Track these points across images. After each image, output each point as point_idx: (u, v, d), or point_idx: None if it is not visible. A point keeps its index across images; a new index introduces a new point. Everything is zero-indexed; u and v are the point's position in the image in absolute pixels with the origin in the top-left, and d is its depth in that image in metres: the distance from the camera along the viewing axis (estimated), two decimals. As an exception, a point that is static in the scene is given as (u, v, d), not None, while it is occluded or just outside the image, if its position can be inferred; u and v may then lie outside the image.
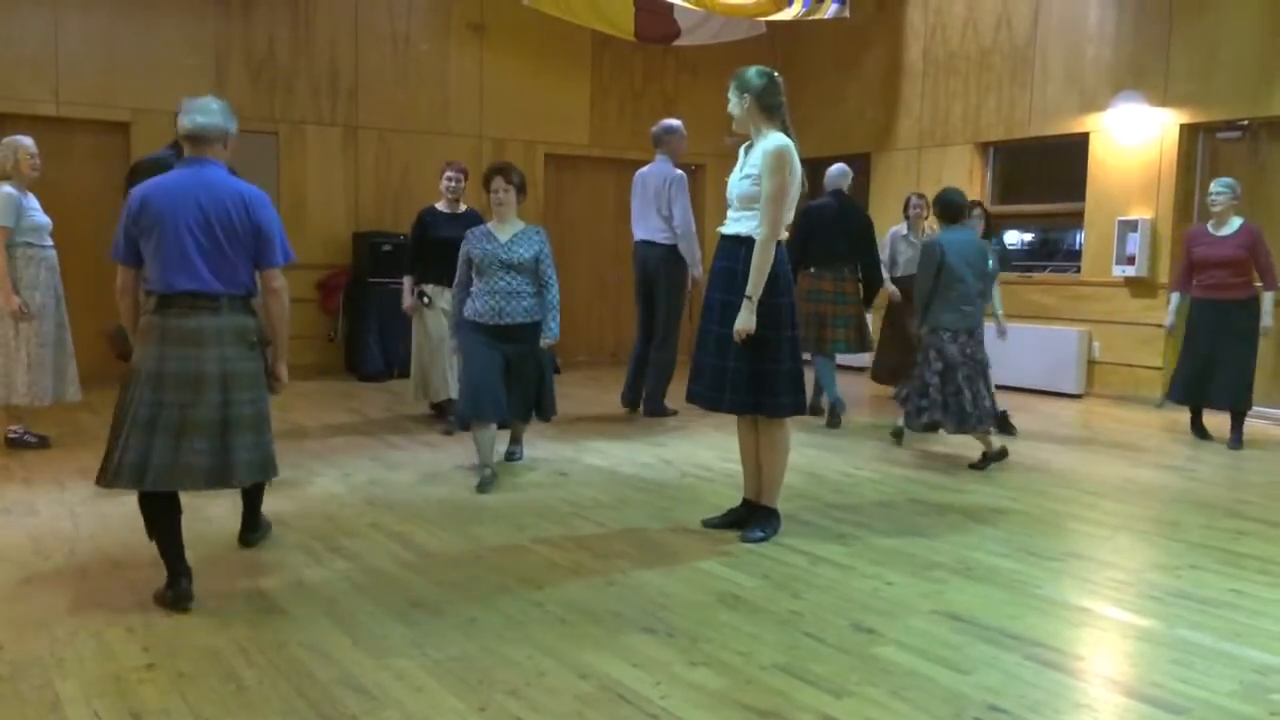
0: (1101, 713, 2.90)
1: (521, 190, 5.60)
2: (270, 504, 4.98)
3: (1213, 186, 6.99)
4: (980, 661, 3.21)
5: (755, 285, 4.29)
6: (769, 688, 2.99)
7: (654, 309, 7.72)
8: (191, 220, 3.62)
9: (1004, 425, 6.99)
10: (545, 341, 5.53)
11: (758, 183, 4.32)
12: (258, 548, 4.29)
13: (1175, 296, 7.26)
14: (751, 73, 4.43)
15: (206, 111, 3.80)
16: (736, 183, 4.44)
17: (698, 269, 7.62)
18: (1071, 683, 3.10)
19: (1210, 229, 6.96)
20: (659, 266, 7.63)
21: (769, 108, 4.40)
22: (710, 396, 4.47)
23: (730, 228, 4.44)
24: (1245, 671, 3.18)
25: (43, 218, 6.09)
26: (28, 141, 6.04)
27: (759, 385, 4.38)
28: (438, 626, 3.43)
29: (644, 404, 7.87)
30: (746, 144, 4.53)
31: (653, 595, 3.78)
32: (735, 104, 4.44)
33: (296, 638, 3.30)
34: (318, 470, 5.74)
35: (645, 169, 7.75)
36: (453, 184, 7.05)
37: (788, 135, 4.38)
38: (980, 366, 6.12)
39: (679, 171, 7.58)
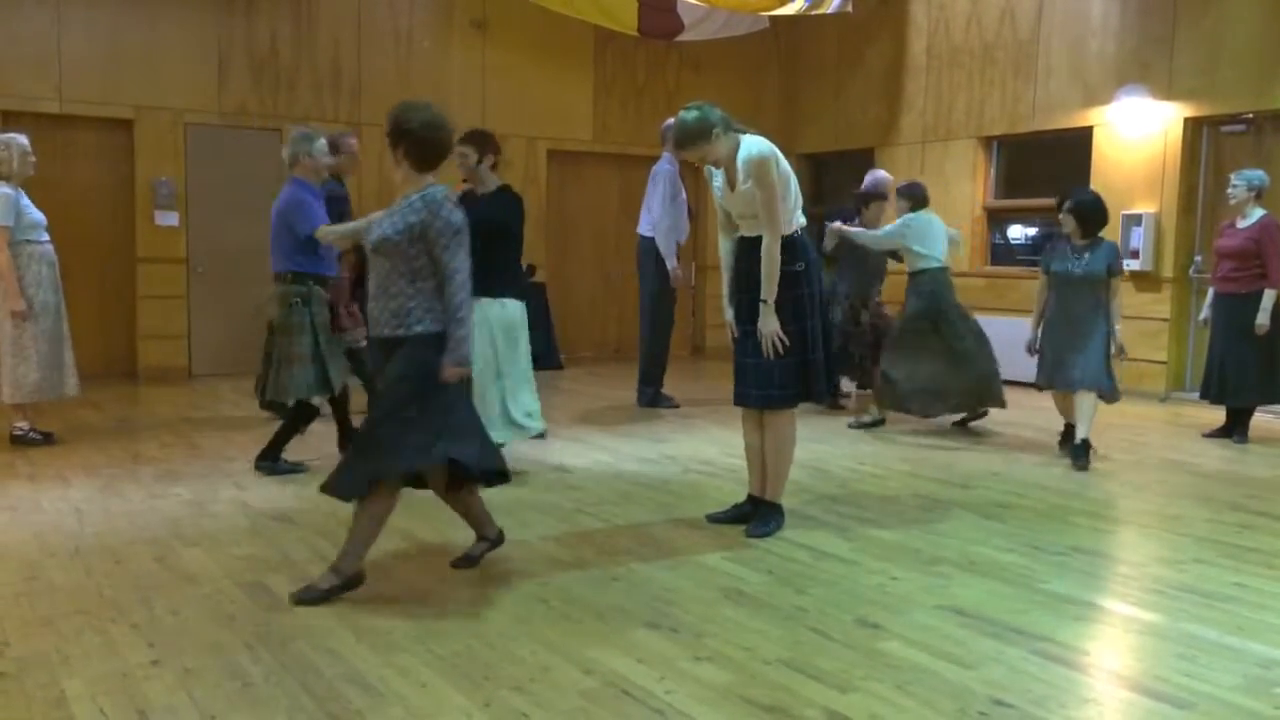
0: (1106, 707, 2.90)
1: (404, 139, 3.65)
2: (273, 502, 5.00)
3: (1230, 179, 6.98)
4: (985, 656, 3.21)
5: (769, 290, 4.29)
6: (774, 683, 2.99)
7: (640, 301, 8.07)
8: (272, 221, 5.50)
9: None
10: (448, 367, 3.60)
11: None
12: (261, 544, 4.29)
13: (1211, 290, 7.19)
14: (694, 115, 4.23)
15: (287, 144, 5.61)
16: (739, 199, 4.35)
17: (671, 260, 7.83)
18: (1076, 677, 3.09)
19: (1236, 222, 6.93)
20: (642, 259, 7.93)
21: (728, 123, 4.29)
22: (757, 395, 4.46)
23: (755, 231, 4.39)
24: (1249, 665, 3.18)
25: (38, 214, 6.12)
26: (23, 139, 6.09)
27: (806, 375, 4.42)
28: (442, 623, 3.43)
29: (637, 395, 7.98)
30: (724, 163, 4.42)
31: (657, 591, 3.78)
32: (709, 148, 4.24)
33: (301, 634, 3.31)
34: (321, 468, 5.74)
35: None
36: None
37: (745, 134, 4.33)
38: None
39: (666, 167, 7.81)
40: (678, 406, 7.84)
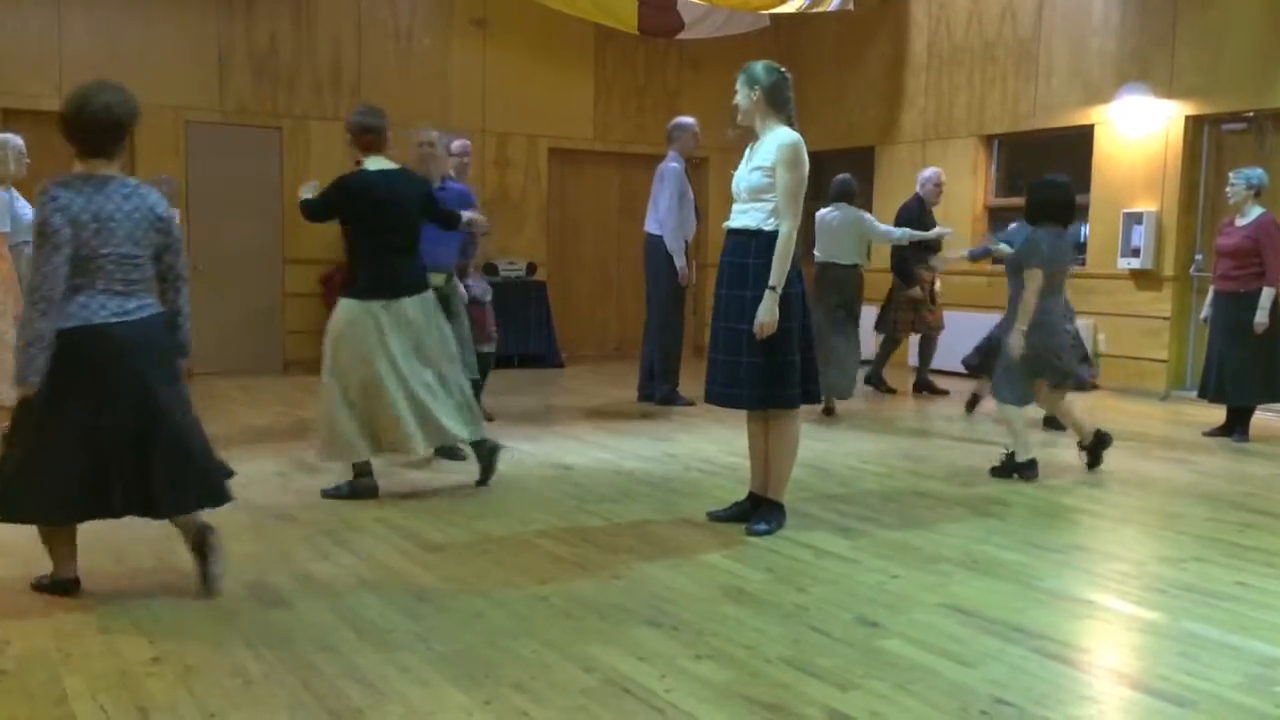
0: (1107, 706, 2.90)
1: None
2: (274, 499, 4.99)
3: (1229, 177, 6.98)
4: (985, 655, 3.21)
5: (778, 276, 4.28)
6: (774, 681, 2.99)
7: (647, 299, 8.06)
8: None
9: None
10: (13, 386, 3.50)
11: (769, 175, 4.32)
12: (262, 542, 4.29)
13: (1211, 288, 7.19)
14: (760, 67, 4.45)
15: None
16: (745, 176, 4.43)
17: (680, 259, 7.83)
18: (1077, 676, 3.09)
19: (1235, 220, 6.93)
20: (649, 257, 7.93)
21: (776, 103, 4.42)
22: (725, 394, 4.46)
23: (737, 221, 4.43)
24: (1250, 664, 3.18)
25: (32, 213, 6.10)
26: (19, 141, 6.06)
27: (773, 378, 4.37)
28: (443, 620, 3.43)
29: (639, 392, 8.01)
30: (752, 140, 4.53)
31: (657, 589, 3.78)
32: (743, 96, 4.43)
33: (302, 632, 3.31)
34: (323, 465, 5.73)
35: (659, 164, 8.02)
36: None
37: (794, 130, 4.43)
38: None
39: (673, 165, 7.77)
40: (692, 404, 7.81)
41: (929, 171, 8.61)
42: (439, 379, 5.00)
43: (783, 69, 4.50)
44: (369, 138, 4.96)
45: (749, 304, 4.31)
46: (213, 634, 3.28)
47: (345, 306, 4.90)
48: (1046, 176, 5.96)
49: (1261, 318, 6.66)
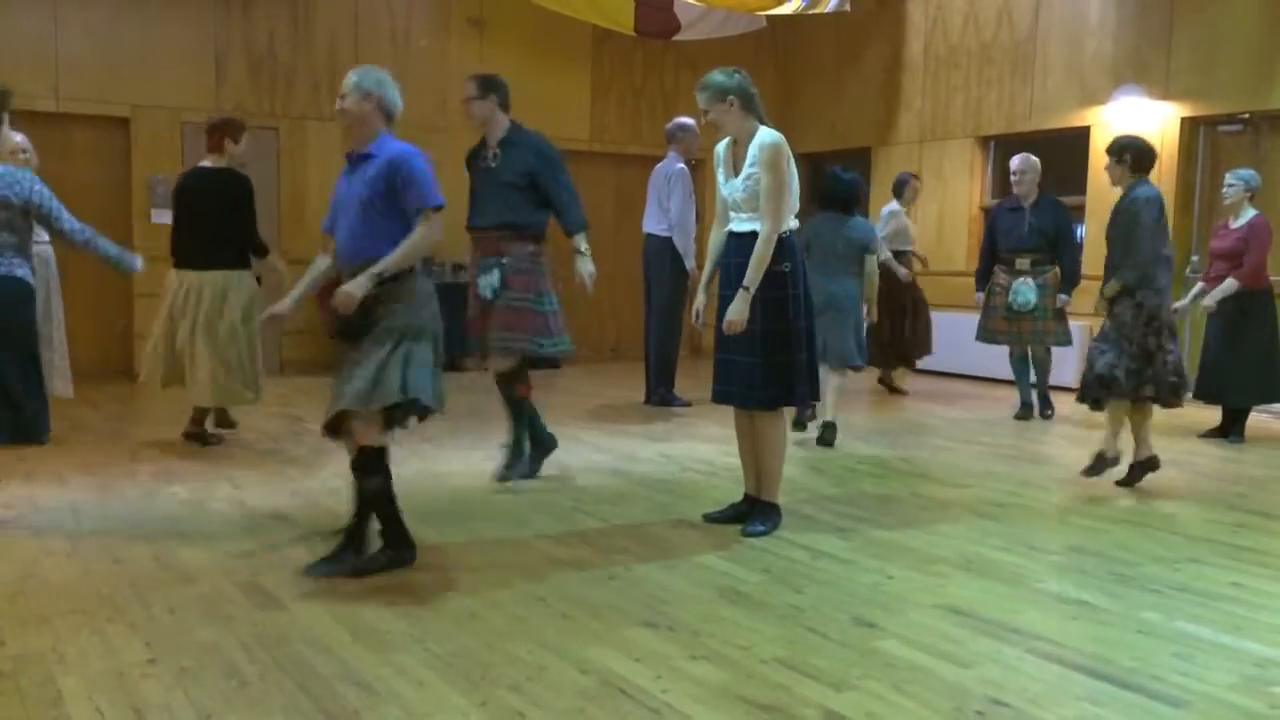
0: (1102, 706, 2.91)
1: None
2: (269, 499, 4.99)
3: (1225, 178, 6.99)
4: (981, 655, 3.21)
5: (753, 278, 4.29)
6: (770, 681, 3.00)
7: (650, 299, 8.01)
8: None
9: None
10: None
11: (759, 180, 4.32)
12: (258, 543, 4.29)
13: (1198, 286, 7.18)
14: (721, 76, 4.37)
15: None
16: (739, 186, 4.39)
17: (690, 261, 7.83)
18: (1073, 676, 3.10)
19: (1229, 222, 6.94)
20: (654, 257, 7.90)
21: (749, 103, 4.38)
22: (742, 395, 4.46)
23: (744, 226, 4.42)
24: (1245, 664, 3.19)
25: None
26: (19, 138, 6.02)
27: (787, 376, 4.41)
28: (439, 621, 3.43)
29: (647, 394, 7.99)
30: (727, 144, 4.50)
31: (654, 590, 3.79)
32: (718, 112, 4.34)
33: (298, 633, 3.31)
34: (319, 465, 5.73)
35: (658, 164, 8.01)
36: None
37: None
38: None
39: (680, 166, 7.77)
40: (689, 405, 7.81)
41: (1012, 161, 7.86)
42: (206, 341, 5.99)
43: (738, 69, 4.44)
44: (206, 139, 6.08)
45: (768, 304, 4.34)
46: (208, 635, 3.28)
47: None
48: (835, 169, 6.70)
49: (1209, 302, 6.81)
